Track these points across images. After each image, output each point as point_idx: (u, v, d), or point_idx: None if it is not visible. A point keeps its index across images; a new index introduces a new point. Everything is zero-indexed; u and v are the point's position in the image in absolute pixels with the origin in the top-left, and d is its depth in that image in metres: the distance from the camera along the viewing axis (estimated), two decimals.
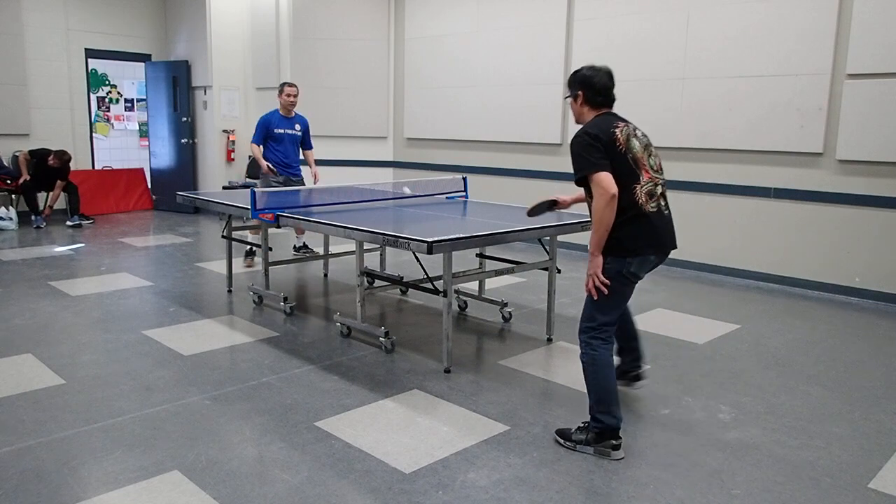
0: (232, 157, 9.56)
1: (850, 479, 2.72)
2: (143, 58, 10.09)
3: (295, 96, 6.23)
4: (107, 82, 11.94)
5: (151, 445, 2.89)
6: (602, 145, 2.80)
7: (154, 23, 10.12)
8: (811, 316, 5.04)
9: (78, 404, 3.29)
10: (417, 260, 3.94)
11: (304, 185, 6.34)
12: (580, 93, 2.98)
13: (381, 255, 5.76)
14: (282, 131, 6.24)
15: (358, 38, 8.78)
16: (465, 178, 5.59)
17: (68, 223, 8.50)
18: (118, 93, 12.10)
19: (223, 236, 5.40)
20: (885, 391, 3.62)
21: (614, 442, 2.87)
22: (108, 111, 12.06)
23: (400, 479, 2.65)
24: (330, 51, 8.77)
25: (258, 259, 5.71)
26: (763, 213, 5.94)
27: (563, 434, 2.99)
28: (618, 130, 2.87)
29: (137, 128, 12.20)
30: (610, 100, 2.99)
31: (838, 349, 4.29)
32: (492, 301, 4.90)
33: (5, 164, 8.64)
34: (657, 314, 5.00)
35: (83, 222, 8.61)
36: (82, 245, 7.34)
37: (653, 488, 2.62)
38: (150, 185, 10.29)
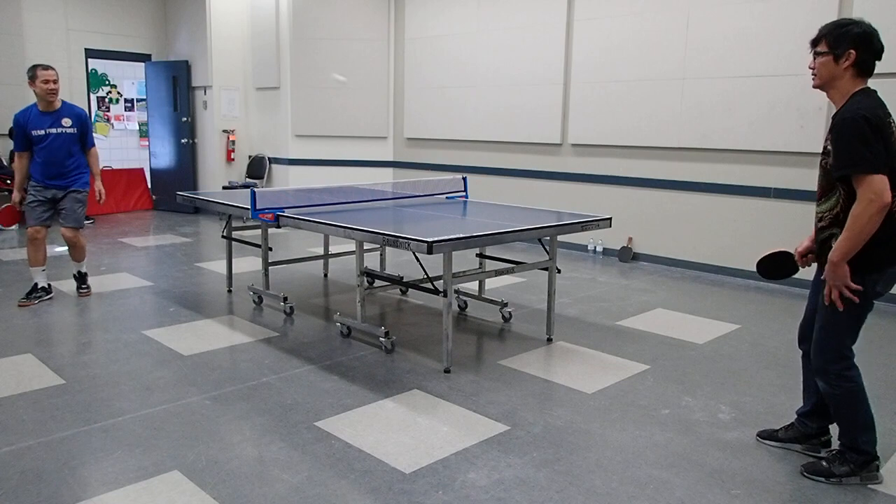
0: (232, 157, 9.57)
1: None
2: (143, 58, 10.09)
3: (55, 82, 4.71)
4: (107, 82, 11.95)
5: (151, 445, 2.89)
6: (881, 138, 2.33)
7: (154, 23, 10.12)
8: None
9: (78, 404, 3.29)
10: (417, 260, 3.94)
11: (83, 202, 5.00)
12: (852, 52, 2.43)
13: (381, 255, 5.76)
14: (42, 132, 4.73)
15: (358, 38, 8.78)
16: (465, 178, 5.59)
17: None
18: (118, 93, 12.11)
19: (223, 236, 5.40)
20: (885, 391, 3.62)
21: (877, 463, 2.65)
22: (108, 111, 12.06)
23: (400, 479, 2.65)
24: (330, 51, 8.78)
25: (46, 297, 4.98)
26: (763, 213, 5.94)
27: (819, 471, 2.67)
28: (892, 120, 2.40)
29: (137, 128, 12.21)
30: (873, 70, 2.47)
31: None
32: (492, 301, 4.90)
33: (5, 164, 8.64)
34: (657, 314, 5.00)
35: None
36: None
37: (653, 488, 2.61)
38: (150, 185, 10.30)
